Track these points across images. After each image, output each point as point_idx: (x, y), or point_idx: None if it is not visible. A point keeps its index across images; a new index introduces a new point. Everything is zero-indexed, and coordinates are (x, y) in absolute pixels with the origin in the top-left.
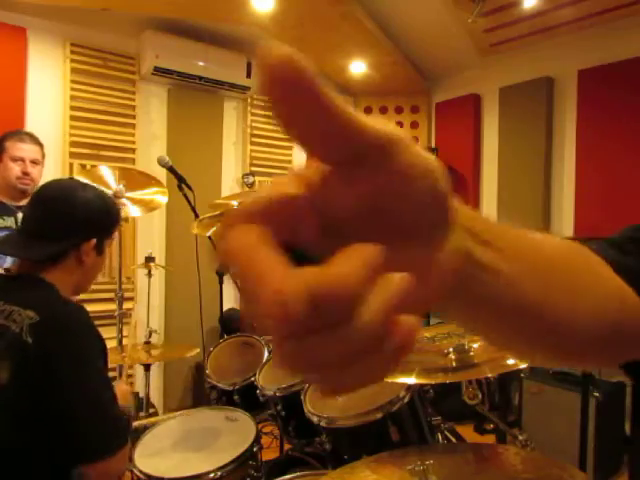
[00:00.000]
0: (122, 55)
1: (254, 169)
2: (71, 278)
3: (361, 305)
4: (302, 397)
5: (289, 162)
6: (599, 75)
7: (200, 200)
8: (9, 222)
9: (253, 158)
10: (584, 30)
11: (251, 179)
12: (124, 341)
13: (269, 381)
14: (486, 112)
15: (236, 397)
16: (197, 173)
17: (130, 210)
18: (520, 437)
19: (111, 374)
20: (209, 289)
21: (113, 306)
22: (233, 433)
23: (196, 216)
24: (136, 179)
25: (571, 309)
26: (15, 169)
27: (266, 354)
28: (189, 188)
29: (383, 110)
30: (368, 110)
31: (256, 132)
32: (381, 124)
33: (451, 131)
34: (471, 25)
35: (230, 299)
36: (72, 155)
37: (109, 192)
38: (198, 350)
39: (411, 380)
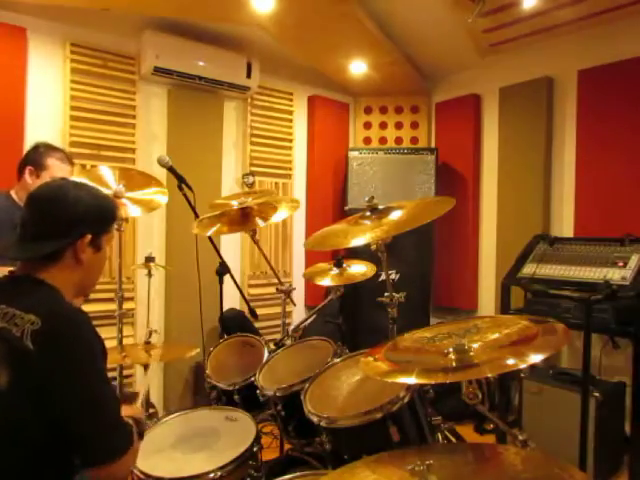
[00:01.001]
0: (122, 55)
1: (254, 169)
2: (71, 277)
3: None
4: (302, 397)
5: (289, 162)
6: (599, 75)
7: (200, 200)
8: None
9: (253, 158)
10: (584, 30)
11: (251, 179)
12: (124, 341)
13: (269, 381)
14: (486, 112)
15: (236, 397)
16: (197, 173)
17: (130, 210)
18: (520, 437)
19: (110, 374)
20: (209, 289)
21: (113, 306)
22: (233, 433)
23: (196, 216)
24: (136, 179)
25: None
26: None
27: (266, 354)
28: (189, 188)
29: (383, 110)
30: (368, 110)
31: (256, 132)
32: None
33: (451, 131)
34: (471, 25)
35: (230, 299)
36: (72, 155)
37: (109, 192)
38: (198, 350)
39: (411, 380)
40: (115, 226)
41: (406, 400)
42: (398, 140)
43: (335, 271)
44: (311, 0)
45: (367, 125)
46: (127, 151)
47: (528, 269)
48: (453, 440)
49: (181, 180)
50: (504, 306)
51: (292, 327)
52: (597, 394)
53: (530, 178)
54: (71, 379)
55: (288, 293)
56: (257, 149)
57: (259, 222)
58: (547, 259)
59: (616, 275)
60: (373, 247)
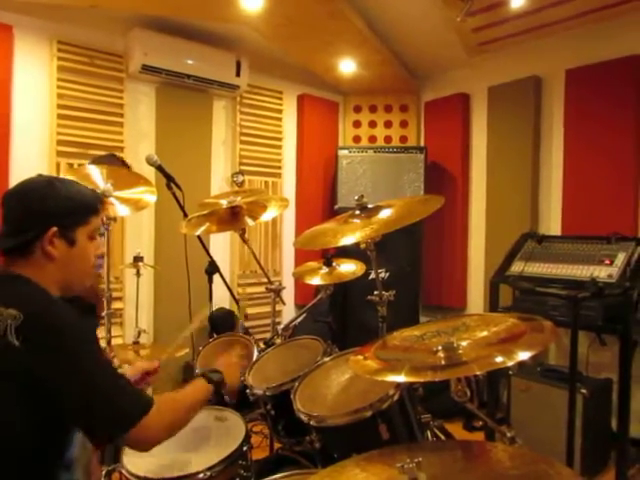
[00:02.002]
0: (110, 53)
1: (243, 168)
2: (46, 273)
3: None
4: (292, 396)
5: (278, 161)
6: (586, 75)
7: (189, 199)
8: None
9: (242, 157)
10: (571, 30)
11: (240, 178)
12: (113, 341)
13: (259, 380)
14: (475, 111)
15: (225, 397)
16: (186, 172)
17: (118, 209)
18: (508, 434)
19: None
20: (198, 289)
21: None
22: (222, 433)
23: (185, 215)
24: (124, 178)
25: None
26: None
27: (256, 353)
28: (178, 187)
29: (372, 109)
30: (357, 109)
31: (245, 131)
32: None
33: (440, 130)
34: (460, 24)
35: (219, 298)
36: (59, 154)
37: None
38: (187, 350)
39: (400, 378)
40: (98, 219)
41: (395, 398)
42: (387, 139)
43: (325, 270)
44: None
45: (356, 124)
46: (115, 150)
47: (516, 267)
48: (442, 437)
49: (170, 179)
50: (493, 304)
51: (282, 326)
52: (584, 391)
53: (518, 177)
54: (63, 368)
55: (278, 292)
56: (246, 148)
57: (248, 221)
58: (535, 257)
59: (603, 273)
60: (362, 246)
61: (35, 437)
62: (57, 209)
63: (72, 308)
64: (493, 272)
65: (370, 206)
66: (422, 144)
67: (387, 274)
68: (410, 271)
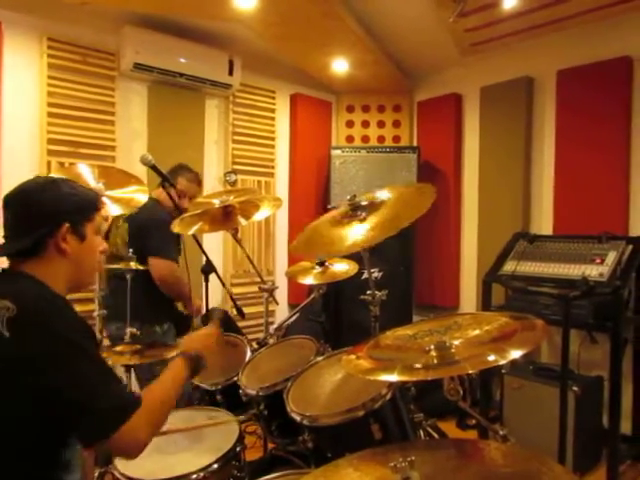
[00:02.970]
0: (101, 51)
1: (236, 167)
2: (59, 271)
3: None
4: (285, 396)
5: (271, 160)
6: (577, 75)
7: None
8: None
9: (235, 156)
10: (563, 31)
11: (233, 177)
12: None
13: (252, 381)
14: (467, 111)
15: (219, 397)
16: None
17: (110, 209)
18: (501, 432)
19: None
20: (193, 288)
21: (93, 306)
22: (216, 433)
23: (180, 213)
24: (116, 177)
25: None
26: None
27: (249, 353)
28: (172, 186)
29: (365, 109)
30: (350, 109)
31: (238, 130)
32: None
33: (433, 130)
34: (453, 25)
35: (214, 298)
36: (50, 153)
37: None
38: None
39: (393, 377)
40: (100, 215)
41: (388, 397)
42: (380, 139)
43: (318, 269)
44: None
45: (349, 123)
46: (107, 149)
47: (509, 266)
48: (435, 436)
49: (165, 179)
50: (485, 303)
51: (275, 326)
52: (576, 388)
53: (510, 177)
54: (47, 366)
55: (271, 292)
56: (239, 147)
57: (241, 220)
58: (527, 256)
59: (594, 272)
60: None
61: (30, 434)
62: (67, 206)
63: (69, 303)
64: (485, 271)
65: (363, 204)
66: (415, 144)
67: (380, 274)
68: (403, 270)
